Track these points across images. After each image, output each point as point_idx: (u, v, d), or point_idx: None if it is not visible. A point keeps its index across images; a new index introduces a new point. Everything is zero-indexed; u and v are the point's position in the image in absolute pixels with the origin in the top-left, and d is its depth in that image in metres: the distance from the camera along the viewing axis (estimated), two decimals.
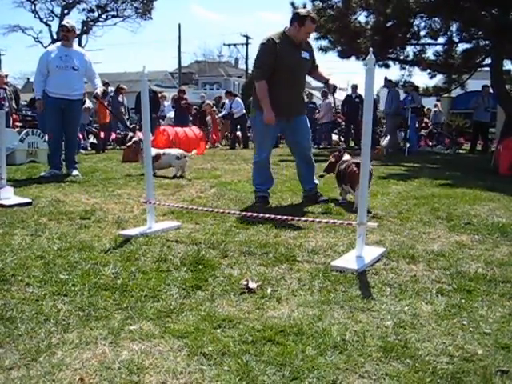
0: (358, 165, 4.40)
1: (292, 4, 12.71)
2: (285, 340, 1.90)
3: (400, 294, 2.40)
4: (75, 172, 6.42)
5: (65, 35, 6.36)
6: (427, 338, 1.94)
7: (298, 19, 4.37)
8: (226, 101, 14.99)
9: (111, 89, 13.62)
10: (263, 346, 1.85)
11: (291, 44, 4.44)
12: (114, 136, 12.74)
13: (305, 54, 4.54)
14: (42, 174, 6.37)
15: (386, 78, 13.06)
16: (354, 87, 14.52)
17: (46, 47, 37.51)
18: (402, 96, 12.90)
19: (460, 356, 1.81)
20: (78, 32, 6.97)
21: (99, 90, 6.69)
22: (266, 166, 4.72)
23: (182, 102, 13.95)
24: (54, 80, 6.21)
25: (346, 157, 4.81)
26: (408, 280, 2.59)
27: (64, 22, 6.63)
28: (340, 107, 14.58)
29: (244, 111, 14.14)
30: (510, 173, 7.23)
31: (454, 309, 2.22)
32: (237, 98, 14.65)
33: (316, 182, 4.83)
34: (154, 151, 6.69)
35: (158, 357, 1.79)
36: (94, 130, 12.85)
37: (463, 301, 2.31)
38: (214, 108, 15.85)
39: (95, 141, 12.31)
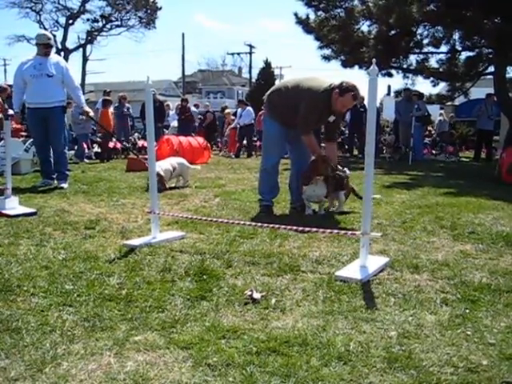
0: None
1: (295, 14, 12.80)
2: (289, 351, 1.91)
3: (404, 304, 2.40)
4: (63, 184, 6.20)
5: (46, 51, 6.13)
6: (431, 349, 1.94)
7: (340, 88, 4.26)
8: (239, 110, 14.94)
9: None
10: (268, 357, 1.85)
11: (329, 106, 4.36)
12: (118, 145, 12.78)
13: (331, 118, 4.53)
14: (37, 183, 6.32)
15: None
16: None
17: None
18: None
19: (464, 367, 1.81)
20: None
21: (85, 107, 6.53)
22: (272, 175, 4.73)
23: (187, 114, 14.01)
24: (30, 89, 6.07)
25: None
26: (412, 290, 2.59)
27: (45, 40, 6.19)
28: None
29: (253, 121, 14.15)
30: (510, 178, 7.26)
31: (458, 319, 2.22)
32: (248, 108, 14.51)
33: None
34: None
35: (162, 368, 1.79)
36: (98, 139, 12.91)
37: (467, 311, 2.31)
38: (233, 117, 15.79)
39: (99, 150, 12.35)
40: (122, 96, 13.16)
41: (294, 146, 4.78)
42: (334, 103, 4.34)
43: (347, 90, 4.24)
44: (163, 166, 6.29)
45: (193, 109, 15.61)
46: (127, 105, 13.15)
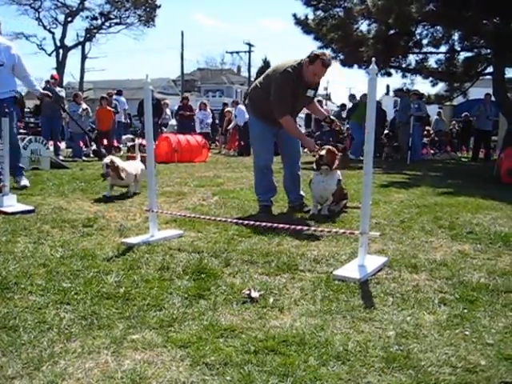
0: None
1: (294, 15, 12.80)
2: (287, 350, 1.90)
3: (402, 303, 2.40)
4: (23, 181, 5.79)
5: None
6: (430, 349, 1.94)
7: (309, 57, 4.22)
8: (233, 110, 14.96)
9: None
10: (265, 356, 1.85)
11: (301, 80, 4.30)
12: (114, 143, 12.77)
13: (310, 93, 4.45)
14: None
15: (398, 89, 13.26)
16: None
17: (49, 54, 37.78)
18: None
19: (463, 367, 1.81)
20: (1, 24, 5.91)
21: (40, 89, 6.11)
22: (266, 175, 4.64)
23: (187, 112, 14.02)
24: None
25: None
26: (410, 290, 2.59)
27: None
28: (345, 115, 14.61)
29: (247, 118, 14.15)
30: (510, 180, 7.26)
31: (456, 319, 2.22)
32: (239, 106, 14.59)
33: (302, 193, 4.82)
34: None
35: (160, 366, 1.79)
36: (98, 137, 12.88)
37: (466, 311, 2.31)
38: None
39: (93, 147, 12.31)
40: (107, 93, 13.20)
41: (285, 147, 4.72)
42: (305, 75, 4.28)
43: (316, 56, 4.21)
44: (130, 167, 5.54)
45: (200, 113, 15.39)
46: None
